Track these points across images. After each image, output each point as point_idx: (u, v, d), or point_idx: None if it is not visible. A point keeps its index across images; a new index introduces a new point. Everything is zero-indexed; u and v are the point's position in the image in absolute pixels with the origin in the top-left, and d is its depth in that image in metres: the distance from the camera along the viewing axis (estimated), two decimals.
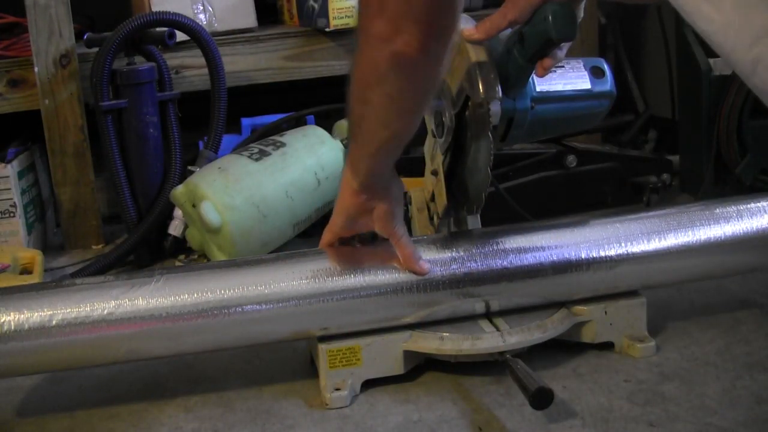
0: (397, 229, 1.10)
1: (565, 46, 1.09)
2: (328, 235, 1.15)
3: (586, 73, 1.17)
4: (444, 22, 0.88)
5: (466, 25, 1.11)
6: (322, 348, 1.12)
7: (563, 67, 1.17)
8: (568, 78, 1.16)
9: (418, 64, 0.89)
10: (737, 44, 0.67)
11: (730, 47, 0.68)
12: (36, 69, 1.72)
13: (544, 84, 1.14)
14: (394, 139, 1.00)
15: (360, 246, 1.15)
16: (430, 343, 1.14)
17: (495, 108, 1.09)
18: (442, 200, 1.21)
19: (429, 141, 1.24)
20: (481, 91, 1.06)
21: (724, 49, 0.69)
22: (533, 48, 1.05)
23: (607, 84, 1.18)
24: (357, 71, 0.94)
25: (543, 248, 1.15)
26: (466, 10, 1.89)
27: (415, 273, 1.11)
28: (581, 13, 1.07)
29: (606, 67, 1.19)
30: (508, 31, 1.08)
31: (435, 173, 1.22)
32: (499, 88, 1.06)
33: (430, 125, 1.22)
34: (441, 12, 0.87)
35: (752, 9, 0.66)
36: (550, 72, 1.11)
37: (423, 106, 0.99)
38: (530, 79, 1.12)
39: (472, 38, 1.08)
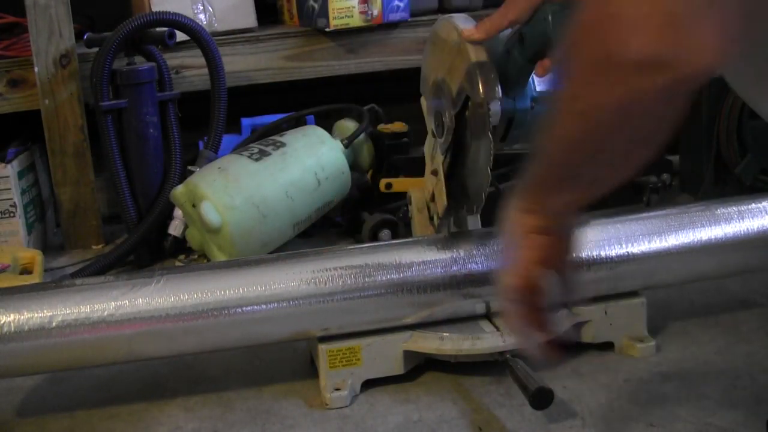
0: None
1: None
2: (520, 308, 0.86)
3: None
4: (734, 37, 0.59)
5: (465, 24, 1.11)
6: (322, 348, 1.12)
7: None
8: None
9: (698, 83, 0.61)
10: None
11: None
12: (36, 69, 1.72)
13: (545, 84, 1.14)
14: (628, 176, 0.74)
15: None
16: (430, 343, 1.14)
17: (495, 108, 1.09)
18: (442, 200, 1.21)
19: (429, 141, 1.24)
20: (481, 91, 1.06)
21: None
22: (533, 48, 1.05)
23: None
24: (580, 119, 0.68)
25: None
26: (466, 10, 1.89)
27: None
28: None
29: None
30: (508, 30, 1.08)
31: (435, 173, 1.22)
32: (499, 88, 1.06)
33: (430, 125, 1.22)
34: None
35: None
36: (551, 72, 1.11)
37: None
38: (530, 79, 1.12)
39: (472, 38, 1.08)
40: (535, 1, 1.02)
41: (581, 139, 0.69)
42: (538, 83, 1.14)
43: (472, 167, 1.16)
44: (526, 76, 1.10)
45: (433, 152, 1.22)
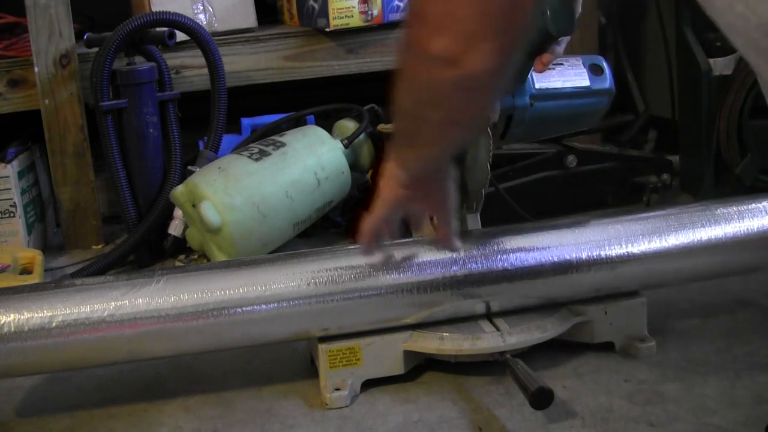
0: (447, 208, 1.07)
1: (564, 41, 1.09)
2: (368, 226, 1.08)
3: (585, 70, 1.18)
4: (523, 27, 0.76)
5: None
6: (322, 348, 1.12)
7: (562, 64, 1.17)
8: (567, 75, 1.16)
9: (489, 83, 0.79)
10: None
11: None
12: (36, 69, 1.72)
13: (543, 81, 1.14)
14: (453, 145, 0.96)
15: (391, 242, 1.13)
16: (430, 343, 1.14)
17: (494, 105, 1.09)
18: None
19: None
20: None
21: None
22: (532, 43, 1.05)
23: (606, 81, 1.18)
24: (408, 89, 0.85)
25: (543, 249, 1.15)
26: None
27: (447, 248, 1.11)
28: (579, 8, 1.06)
29: (605, 65, 1.19)
30: None
31: None
32: None
33: None
34: (520, 17, 0.75)
35: None
36: (549, 69, 1.11)
37: (487, 114, 0.95)
38: (529, 76, 1.12)
39: None
40: None
41: (410, 107, 0.87)
42: (537, 80, 1.14)
43: (471, 164, 1.16)
44: (525, 73, 1.10)
45: None
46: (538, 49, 1.06)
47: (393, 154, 1.02)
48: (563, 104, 1.16)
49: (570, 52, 1.13)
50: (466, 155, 1.16)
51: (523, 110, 1.12)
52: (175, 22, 1.68)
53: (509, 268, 1.14)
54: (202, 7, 1.85)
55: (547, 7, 1.01)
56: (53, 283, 1.18)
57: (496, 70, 0.76)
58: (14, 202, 1.69)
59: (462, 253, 1.14)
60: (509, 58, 0.77)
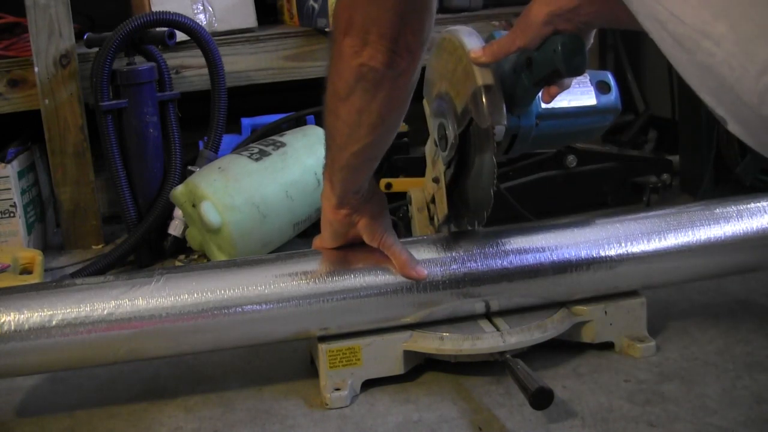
0: (384, 239, 1.10)
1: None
2: (318, 245, 1.17)
3: (591, 88, 1.16)
4: (410, 38, 0.90)
5: (470, 40, 1.10)
6: (322, 348, 1.12)
7: None
8: (573, 94, 1.14)
9: (383, 78, 0.92)
10: (743, 76, 0.67)
11: (735, 79, 0.68)
12: (36, 69, 1.72)
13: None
14: (363, 153, 1.01)
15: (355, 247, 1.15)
16: (430, 343, 1.14)
17: (500, 131, 1.09)
18: (442, 208, 1.21)
19: (430, 144, 1.24)
20: (487, 116, 1.06)
21: (728, 81, 0.68)
22: (540, 75, 1.03)
23: (612, 98, 1.17)
24: (329, 85, 0.97)
25: (543, 248, 1.15)
26: (466, 10, 1.89)
27: (412, 279, 1.11)
28: (591, 41, 1.05)
29: (612, 81, 1.18)
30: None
31: (436, 181, 1.22)
32: (505, 113, 1.06)
33: (433, 134, 1.21)
34: (408, 28, 0.89)
35: (755, 42, 0.66)
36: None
37: (392, 123, 0.99)
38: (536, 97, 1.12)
39: (479, 61, 1.07)
40: (545, 31, 1.01)
41: (329, 102, 0.98)
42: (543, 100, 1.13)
43: (474, 182, 1.16)
44: (532, 97, 1.10)
45: (435, 158, 1.22)
46: (547, 81, 1.05)
47: (325, 173, 1.08)
48: (568, 123, 1.16)
49: None
50: (470, 171, 1.16)
51: (528, 130, 1.12)
52: (175, 22, 1.68)
53: (509, 267, 1.14)
54: (202, 7, 1.85)
55: (558, 44, 1.00)
56: (53, 283, 1.18)
57: (387, 66, 0.90)
58: (14, 202, 1.69)
59: (462, 253, 1.14)
60: (400, 60, 0.90)
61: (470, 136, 1.13)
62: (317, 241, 1.17)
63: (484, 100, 1.06)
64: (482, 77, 1.07)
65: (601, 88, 1.17)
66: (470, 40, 1.10)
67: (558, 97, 1.09)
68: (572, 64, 1.00)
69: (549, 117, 1.13)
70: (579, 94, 1.15)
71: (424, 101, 1.24)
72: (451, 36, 1.13)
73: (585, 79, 1.17)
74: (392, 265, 1.11)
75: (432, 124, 1.21)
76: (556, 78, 1.04)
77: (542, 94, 1.08)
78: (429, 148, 1.24)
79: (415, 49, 0.91)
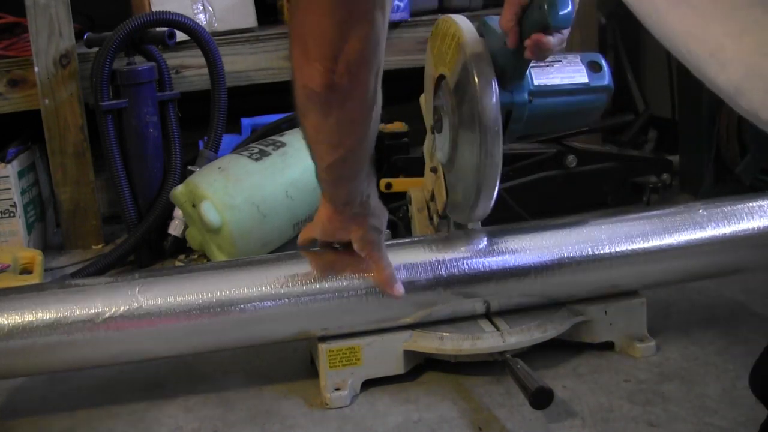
0: (374, 251, 1.08)
1: (566, 32, 1.08)
2: (305, 235, 1.13)
3: (583, 67, 1.17)
4: (351, 56, 0.85)
5: (463, 21, 1.11)
6: (322, 348, 1.12)
7: (560, 61, 1.17)
8: (565, 72, 1.16)
9: (329, 101, 0.89)
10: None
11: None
12: (36, 69, 1.72)
13: (542, 78, 1.14)
14: (332, 171, 0.97)
15: (340, 249, 1.12)
16: (430, 342, 1.14)
17: (489, 103, 1.09)
18: (441, 197, 1.21)
19: (428, 139, 1.24)
20: (477, 83, 1.06)
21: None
22: (530, 34, 1.04)
23: (605, 78, 1.17)
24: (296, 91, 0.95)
25: (543, 248, 1.15)
26: (466, 10, 1.89)
27: (389, 295, 1.09)
28: (576, 2, 1.05)
29: (603, 62, 1.19)
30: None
31: (434, 170, 1.22)
32: (494, 80, 1.07)
33: (429, 121, 1.22)
34: (348, 45, 0.84)
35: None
36: (547, 66, 1.11)
37: (353, 147, 0.94)
38: (528, 73, 1.12)
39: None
40: None
41: (300, 104, 0.95)
42: (535, 77, 1.14)
43: (457, 174, 1.16)
44: (523, 69, 1.10)
45: (432, 150, 1.22)
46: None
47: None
48: (562, 101, 1.16)
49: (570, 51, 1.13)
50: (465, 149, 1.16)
51: (521, 107, 1.12)
52: (175, 22, 1.68)
53: (509, 267, 1.14)
54: (202, 7, 1.85)
55: (545, 1, 1.00)
56: (53, 283, 1.18)
57: (325, 87, 0.88)
58: (14, 202, 1.70)
59: (462, 252, 1.14)
60: (340, 80, 0.86)
61: (463, 113, 1.13)
62: (305, 233, 1.14)
63: (473, 68, 1.07)
64: (472, 47, 1.08)
65: (593, 67, 1.17)
66: (464, 21, 1.12)
67: (550, 75, 1.09)
68: (559, 16, 0.99)
69: (542, 94, 1.14)
70: (571, 73, 1.16)
71: (421, 97, 1.24)
72: (446, 18, 1.15)
73: (576, 59, 1.18)
74: (373, 277, 1.09)
75: (428, 113, 1.22)
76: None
77: (532, 48, 1.05)
78: (427, 146, 1.25)
79: (357, 71, 0.86)
